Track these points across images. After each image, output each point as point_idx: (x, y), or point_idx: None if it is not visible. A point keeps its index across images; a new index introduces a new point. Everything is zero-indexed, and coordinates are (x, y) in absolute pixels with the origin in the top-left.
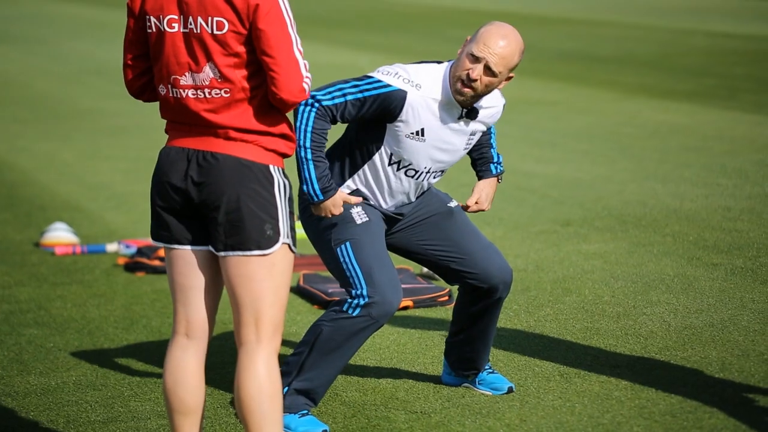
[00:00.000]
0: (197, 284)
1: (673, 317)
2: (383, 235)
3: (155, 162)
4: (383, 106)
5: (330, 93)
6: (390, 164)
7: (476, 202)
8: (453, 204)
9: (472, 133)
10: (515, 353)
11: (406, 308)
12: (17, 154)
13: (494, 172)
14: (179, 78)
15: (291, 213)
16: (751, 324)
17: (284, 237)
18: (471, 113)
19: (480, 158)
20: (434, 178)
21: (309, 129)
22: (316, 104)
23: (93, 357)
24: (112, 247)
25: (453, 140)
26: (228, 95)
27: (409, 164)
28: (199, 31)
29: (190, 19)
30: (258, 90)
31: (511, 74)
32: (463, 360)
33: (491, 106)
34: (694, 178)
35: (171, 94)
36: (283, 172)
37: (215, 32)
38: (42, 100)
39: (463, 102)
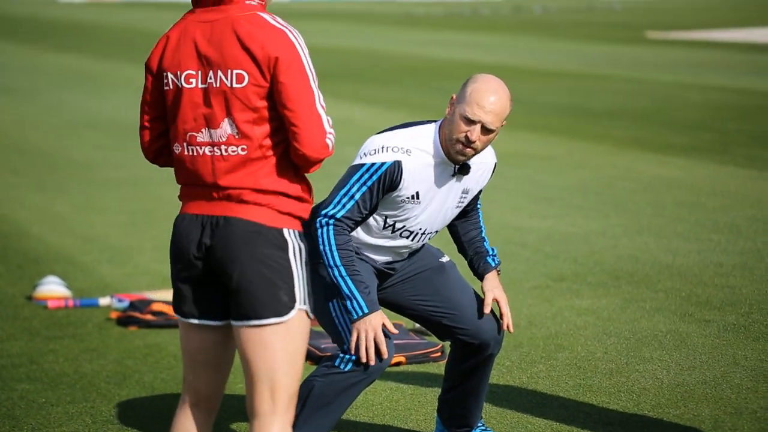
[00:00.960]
0: (210, 360)
1: (665, 374)
2: (375, 290)
3: (149, 214)
4: (388, 184)
5: (338, 203)
6: (385, 227)
7: (495, 300)
8: (445, 259)
9: (464, 191)
10: (508, 410)
11: (398, 364)
12: (10, 205)
13: (493, 264)
14: (196, 135)
15: (308, 277)
16: (744, 381)
17: (300, 303)
18: (463, 169)
19: (475, 254)
20: (429, 238)
21: (333, 247)
22: (331, 221)
23: (86, 412)
24: (104, 301)
25: (446, 199)
26: (245, 153)
27: (404, 227)
28: (218, 85)
29: (210, 73)
30: (276, 149)
31: (503, 122)
32: (456, 417)
33: (482, 162)
34: (687, 233)
35: (186, 153)
36: (300, 235)
37: (234, 85)
38: (36, 152)
39: (463, 161)
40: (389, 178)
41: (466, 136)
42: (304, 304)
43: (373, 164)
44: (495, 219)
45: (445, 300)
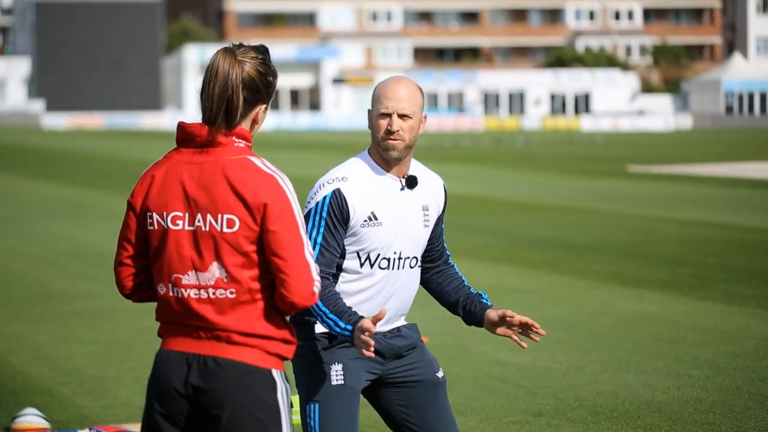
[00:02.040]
0: None
1: None
2: (356, 402)
3: (127, 346)
4: (338, 213)
5: None
6: (362, 265)
7: (511, 316)
8: (440, 374)
9: (425, 208)
10: None
11: None
12: None
13: (489, 304)
14: (181, 277)
15: (290, 409)
16: None
17: None
18: (410, 183)
19: (467, 298)
20: (411, 267)
21: (325, 309)
22: None
23: None
24: None
25: (408, 215)
26: (233, 296)
27: (378, 254)
28: (207, 229)
29: (198, 216)
30: (263, 292)
31: (423, 114)
32: None
33: (429, 176)
34: (666, 369)
35: (171, 294)
36: (285, 377)
37: (225, 230)
38: (15, 281)
39: (396, 158)
40: (337, 208)
41: (387, 129)
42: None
43: (317, 203)
44: (475, 352)
45: (425, 424)
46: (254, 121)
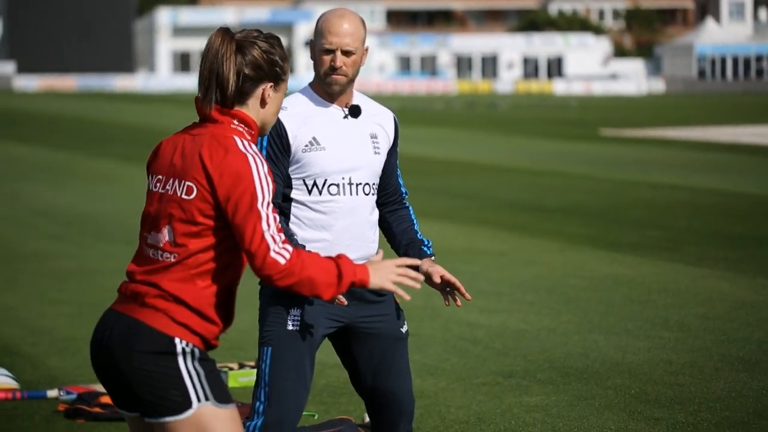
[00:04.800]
0: None
1: None
2: (309, 349)
3: (97, 307)
4: (278, 141)
5: None
6: (310, 192)
7: (443, 278)
8: (404, 329)
9: (373, 136)
10: None
11: None
12: None
13: (428, 252)
14: (146, 236)
15: (209, 373)
16: None
17: (198, 401)
18: (353, 111)
19: (409, 243)
20: (365, 194)
21: None
22: None
23: None
24: (52, 393)
25: (354, 142)
26: (173, 260)
27: (325, 180)
28: (171, 193)
29: (170, 180)
30: (204, 265)
31: (365, 47)
32: None
33: (377, 111)
34: (637, 331)
35: (139, 250)
36: (198, 353)
37: (183, 196)
38: None
39: (339, 91)
40: (276, 135)
41: (331, 66)
42: (207, 399)
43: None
44: (446, 314)
45: (381, 376)
46: (262, 101)
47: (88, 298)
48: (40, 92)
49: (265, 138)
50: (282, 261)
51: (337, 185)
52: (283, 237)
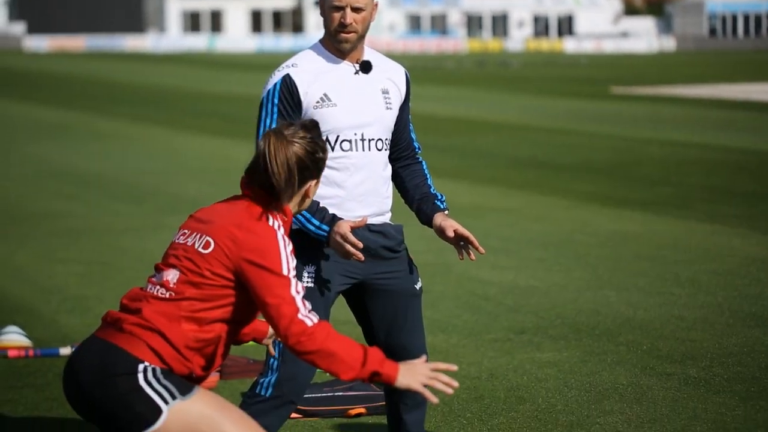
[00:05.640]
0: None
1: (626, 427)
2: (323, 306)
3: (107, 265)
4: (289, 97)
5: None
6: None
7: (456, 231)
8: (418, 285)
9: (384, 91)
10: None
11: (359, 415)
12: None
13: (442, 207)
14: (151, 277)
15: (166, 375)
16: None
17: (165, 404)
18: (364, 67)
19: (423, 198)
20: (378, 149)
21: None
22: None
23: None
24: (65, 350)
25: (366, 97)
26: (165, 296)
27: (337, 136)
28: (191, 245)
29: (193, 234)
30: (195, 312)
31: (375, 2)
32: None
33: (388, 66)
34: (648, 287)
35: (139, 288)
36: (166, 380)
37: (200, 249)
38: None
39: (350, 48)
40: (287, 92)
41: (341, 22)
42: (175, 399)
43: (268, 91)
44: (457, 270)
45: (395, 332)
46: (306, 195)
47: (98, 257)
48: (50, 52)
49: (276, 95)
50: (309, 323)
51: (350, 141)
52: (310, 306)
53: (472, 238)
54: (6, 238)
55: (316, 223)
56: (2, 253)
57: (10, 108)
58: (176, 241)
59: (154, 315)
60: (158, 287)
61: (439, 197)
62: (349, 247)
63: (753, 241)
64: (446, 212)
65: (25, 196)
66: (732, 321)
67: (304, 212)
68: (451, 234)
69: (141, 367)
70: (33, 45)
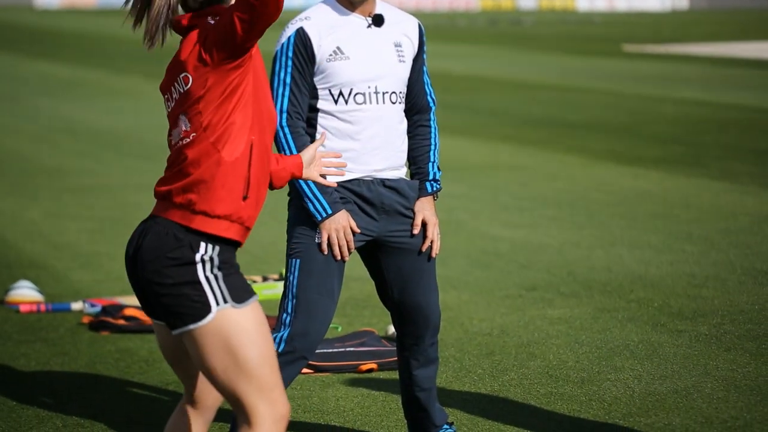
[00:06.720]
0: (179, 360)
1: (637, 383)
2: (338, 263)
3: (119, 221)
4: (303, 51)
5: (276, 98)
6: (336, 101)
7: (423, 221)
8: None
9: (397, 44)
10: (479, 417)
11: (370, 371)
12: None
13: (429, 190)
14: (170, 139)
15: (227, 276)
16: (715, 391)
17: (217, 304)
18: (377, 20)
19: (416, 174)
20: (392, 102)
21: (292, 146)
22: (283, 121)
23: (56, 416)
24: (77, 305)
25: (378, 50)
26: (191, 138)
27: (351, 89)
28: (176, 96)
29: (172, 87)
30: (217, 129)
31: None
32: (418, 419)
33: (401, 19)
34: (660, 245)
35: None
36: (215, 259)
37: (182, 90)
38: (10, 158)
39: (362, 1)
40: (301, 45)
41: None
42: (224, 302)
43: (282, 45)
44: (469, 227)
45: (410, 290)
46: None
47: (109, 213)
48: (61, 9)
49: (291, 48)
50: None
51: (363, 94)
52: None
53: (430, 238)
54: (19, 193)
55: (321, 199)
56: (15, 209)
57: (22, 64)
58: (168, 110)
59: (189, 165)
60: (181, 140)
61: (431, 177)
62: (342, 244)
63: (765, 199)
64: (435, 197)
65: (36, 151)
66: (743, 278)
67: (313, 188)
68: (417, 222)
69: (198, 255)
70: (44, 1)
